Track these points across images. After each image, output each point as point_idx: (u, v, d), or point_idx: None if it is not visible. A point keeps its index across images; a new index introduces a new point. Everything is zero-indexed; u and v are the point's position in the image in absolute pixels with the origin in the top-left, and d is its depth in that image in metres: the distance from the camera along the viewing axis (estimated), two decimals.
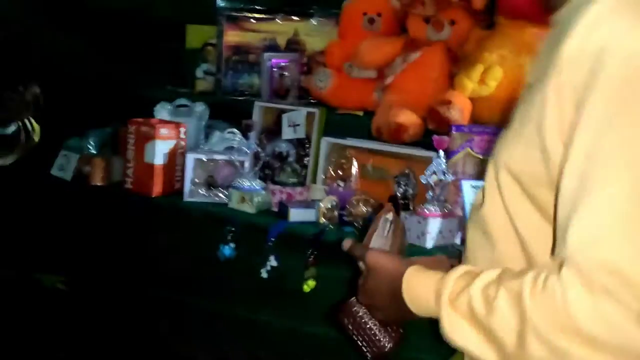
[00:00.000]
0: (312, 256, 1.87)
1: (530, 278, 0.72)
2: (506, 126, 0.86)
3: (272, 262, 1.91)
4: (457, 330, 0.79)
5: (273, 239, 1.94)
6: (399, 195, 1.88)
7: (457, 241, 1.79)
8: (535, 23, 1.83)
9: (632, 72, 0.68)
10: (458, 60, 2.13)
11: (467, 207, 1.62)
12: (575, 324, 0.66)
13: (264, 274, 1.96)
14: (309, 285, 1.86)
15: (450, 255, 1.18)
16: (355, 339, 1.04)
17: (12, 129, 2.01)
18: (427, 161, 1.84)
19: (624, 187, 0.66)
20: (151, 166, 2.21)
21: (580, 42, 0.71)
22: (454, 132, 1.89)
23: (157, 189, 2.21)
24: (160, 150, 2.20)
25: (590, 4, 0.71)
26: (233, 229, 2.01)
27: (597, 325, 0.66)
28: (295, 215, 2.03)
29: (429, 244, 1.78)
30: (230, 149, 2.25)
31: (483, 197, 0.89)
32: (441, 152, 1.78)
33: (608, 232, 0.66)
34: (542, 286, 0.70)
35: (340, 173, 2.24)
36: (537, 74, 0.79)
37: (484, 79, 1.96)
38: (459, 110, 1.96)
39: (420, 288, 0.87)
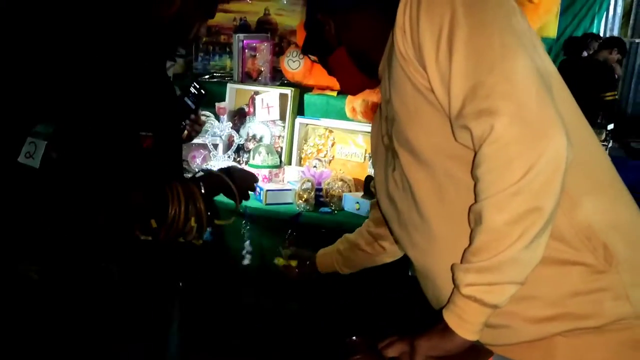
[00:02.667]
0: (290, 237, 1.86)
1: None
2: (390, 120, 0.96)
3: (248, 247, 1.90)
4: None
5: (249, 223, 1.93)
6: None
7: None
8: None
9: None
10: None
11: None
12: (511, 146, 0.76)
13: (242, 257, 1.95)
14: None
15: None
16: None
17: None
18: None
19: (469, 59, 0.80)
20: None
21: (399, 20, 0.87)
22: None
23: None
24: None
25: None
26: (209, 213, 1.98)
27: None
28: (271, 197, 2.01)
29: None
30: (203, 132, 2.22)
31: (408, 181, 0.93)
32: None
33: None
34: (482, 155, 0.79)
35: (315, 154, 2.23)
36: (385, 66, 0.95)
37: None
38: None
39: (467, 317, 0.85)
